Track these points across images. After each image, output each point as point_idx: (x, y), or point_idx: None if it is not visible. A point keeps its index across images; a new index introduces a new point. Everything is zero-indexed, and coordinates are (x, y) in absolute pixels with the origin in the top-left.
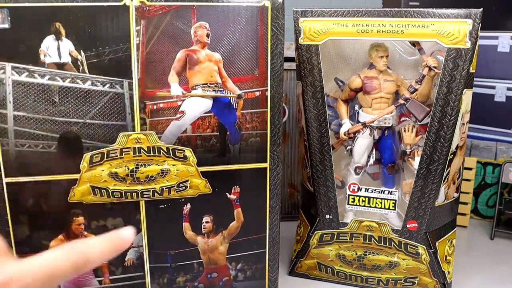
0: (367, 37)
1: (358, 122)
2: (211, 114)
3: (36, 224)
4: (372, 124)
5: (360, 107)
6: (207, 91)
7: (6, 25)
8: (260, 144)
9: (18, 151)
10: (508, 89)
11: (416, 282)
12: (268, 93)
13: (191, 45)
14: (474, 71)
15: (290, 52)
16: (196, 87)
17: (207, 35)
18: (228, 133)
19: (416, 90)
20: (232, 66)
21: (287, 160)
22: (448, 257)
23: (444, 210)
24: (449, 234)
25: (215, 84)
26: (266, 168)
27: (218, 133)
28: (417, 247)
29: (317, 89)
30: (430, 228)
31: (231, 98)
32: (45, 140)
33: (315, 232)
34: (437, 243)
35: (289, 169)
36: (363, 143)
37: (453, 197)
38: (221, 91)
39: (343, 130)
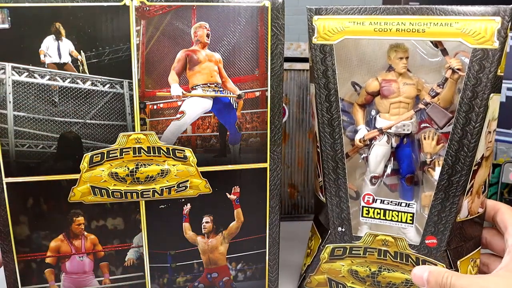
0: (385, 36)
1: (375, 128)
2: (211, 114)
3: (36, 224)
4: (389, 131)
5: (377, 112)
6: (207, 91)
7: (6, 25)
8: (260, 144)
9: (18, 151)
10: (508, 89)
11: None
12: (268, 93)
13: (191, 45)
14: (502, 74)
15: (290, 52)
16: (196, 87)
17: (207, 35)
18: (228, 133)
19: (437, 94)
20: (232, 66)
21: (287, 160)
22: None
23: (467, 226)
24: (472, 253)
25: (215, 84)
26: (266, 168)
27: (218, 133)
28: (436, 265)
29: (330, 92)
30: (451, 245)
31: (231, 98)
32: (45, 140)
33: (326, 246)
34: (458, 262)
35: (289, 169)
36: (379, 151)
37: (478, 212)
38: (221, 91)
39: (358, 136)
